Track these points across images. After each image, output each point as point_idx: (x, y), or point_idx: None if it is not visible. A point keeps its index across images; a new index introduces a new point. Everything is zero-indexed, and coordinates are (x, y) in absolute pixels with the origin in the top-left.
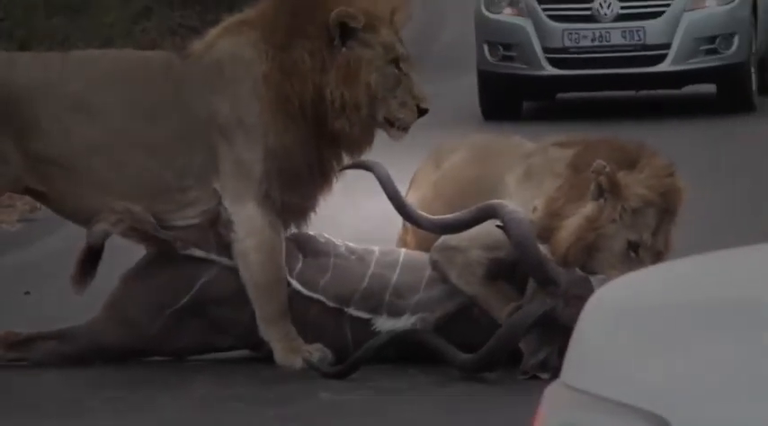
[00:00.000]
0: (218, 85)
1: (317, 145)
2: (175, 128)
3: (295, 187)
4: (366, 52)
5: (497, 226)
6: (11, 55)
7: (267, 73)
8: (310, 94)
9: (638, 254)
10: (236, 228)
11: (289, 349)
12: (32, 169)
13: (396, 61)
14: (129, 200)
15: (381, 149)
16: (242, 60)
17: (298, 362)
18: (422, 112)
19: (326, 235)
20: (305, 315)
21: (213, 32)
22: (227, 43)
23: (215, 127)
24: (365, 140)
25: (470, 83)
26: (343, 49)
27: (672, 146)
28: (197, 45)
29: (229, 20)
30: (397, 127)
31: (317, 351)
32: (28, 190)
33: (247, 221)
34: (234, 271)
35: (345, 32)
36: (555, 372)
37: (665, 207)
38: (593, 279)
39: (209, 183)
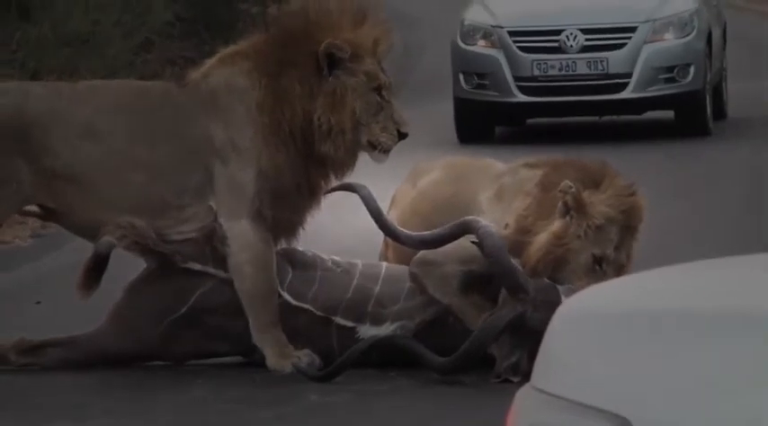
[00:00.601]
0: (213, 112)
1: (305, 166)
2: (174, 151)
3: (285, 205)
4: (351, 81)
5: (472, 242)
6: (24, 84)
7: (260, 100)
8: (300, 119)
9: (602, 267)
10: (230, 243)
11: (280, 354)
12: (44, 187)
13: (378, 89)
14: (131, 216)
15: (365, 169)
16: (236, 89)
17: (288, 367)
18: (402, 136)
19: (313, 251)
20: (295, 324)
21: (209, 63)
22: (223, 73)
23: (211, 150)
24: (349, 162)
25: (447, 109)
26: (330, 78)
27: (633, 167)
28: (194, 74)
29: (224, 51)
30: (378, 150)
31: (305, 357)
32: (39, 207)
33: (241, 236)
34: (228, 283)
35: (332, 62)
36: (525, 376)
37: (627, 223)
38: (560, 287)
39: (206, 201)
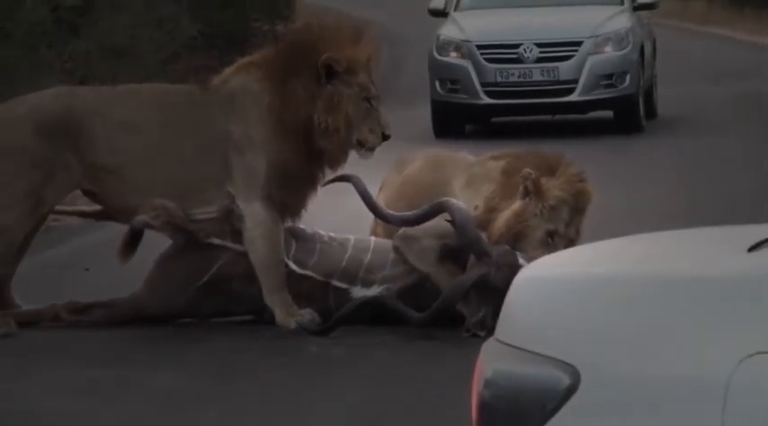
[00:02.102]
0: (231, 112)
1: (307, 159)
2: (198, 144)
3: (290, 190)
4: (346, 90)
5: (446, 221)
6: (73, 88)
7: (270, 103)
8: (302, 120)
9: (554, 241)
10: (245, 221)
11: (286, 313)
12: (88, 175)
13: (368, 98)
14: (161, 199)
15: (358, 159)
16: (250, 93)
17: (293, 323)
18: (385, 138)
19: (314, 228)
20: (299, 288)
21: (228, 71)
22: (239, 79)
23: (229, 143)
24: (342, 157)
25: (425, 109)
26: (329, 87)
27: (579, 158)
28: (215, 80)
29: (240, 61)
30: (365, 148)
31: (307, 315)
32: (84, 192)
33: (254, 215)
34: (244, 255)
35: (330, 73)
36: (490, 331)
37: (577, 205)
38: (520, 256)
39: (223, 186)
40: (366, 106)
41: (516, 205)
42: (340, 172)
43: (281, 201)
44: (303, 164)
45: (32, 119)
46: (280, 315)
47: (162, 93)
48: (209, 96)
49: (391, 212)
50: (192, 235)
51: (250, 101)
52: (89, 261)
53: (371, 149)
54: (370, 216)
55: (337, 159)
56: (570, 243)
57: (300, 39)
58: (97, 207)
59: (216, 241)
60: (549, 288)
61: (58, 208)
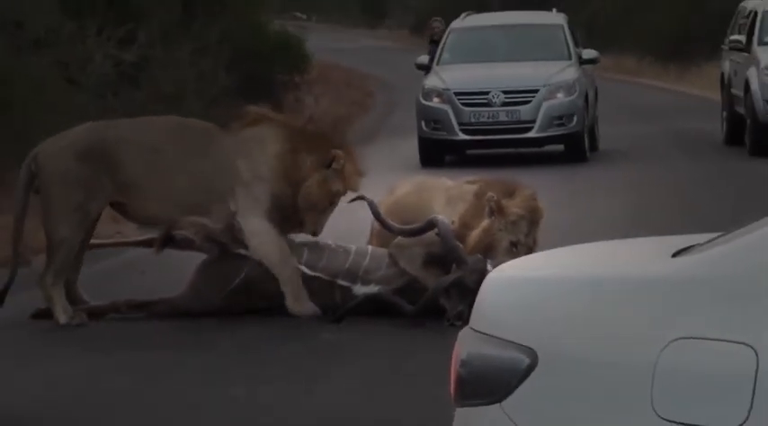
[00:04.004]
0: (243, 154)
1: (292, 207)
2: (208, 173)
3: (282, 219)
4: (334, 185)
5: (435, 234)
6: (105, 122)
7: (278, 154)
8: (295, 184)
9: (517, 249)
10: (245, 234)
11: (296, 300)
12: (117, 189)
13: (336, 198)
14: (177, 212)
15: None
16: (261, 141)
17: (303, 310)
18: (314, 234)
19: (322, 241)
20: (310, 286)
21: (248, 116)
22: (257, 129)
23: (234, 174)
24: (299, 220)
25: (413, 144)
26: (326, 172)
27: (536, 182)
28: (235, 124)
29: (258, 112)
30: (303, 229)
31: (313, 306)
32: (112, 204)
33: (252, 228)
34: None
35: (329, 164)
36: (466, 321)
37: (532, 219)
38: (489, 262)
39: (225, 204)
40: (330, 204)
41: (485, 222)
42: (358, 193)
43: (276, 226)
44: (289, 210)
45: (72, 148)
46: (291, 301)
47: (185, 125)
48: (226, 134)
49: (395, 225)
50: (225, 248)
51: (260, 148)
52: (143, 266)
53: (296, 233)
54: (368, 227)
55: (303, 221)
56: (529, 250)
57: (329, 133)
58: (131, 238)
59: (243, 251)
60: (512, 287)
61: (96, 242)
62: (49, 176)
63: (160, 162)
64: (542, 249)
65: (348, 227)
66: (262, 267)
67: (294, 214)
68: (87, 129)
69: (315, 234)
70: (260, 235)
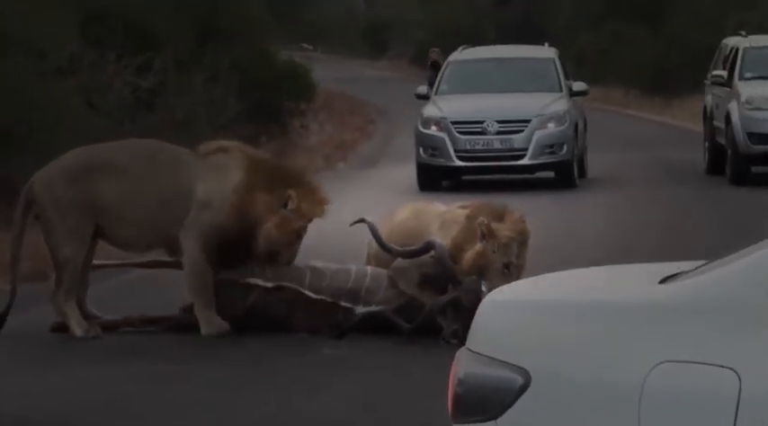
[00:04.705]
0: (204, 176)
1: (243, 242)
2: (175, 196)
3: (223, 250)
4: (291, 222)
5: (430, 256)
6: (90, 146)
7: (237, 186)
8: (252, 216)
9: (510, 270)
10: (183, 254)
11: (208, 324)
12: (99, 211)
13: (299, 234)
14: (149, 236)
15: (373, 206)
16: (224, 170)
17: (212, 330)
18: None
19: (325, 262)
20: (313, 308)
21: (215, 145)
22: (222, 157)
23: (193, 200)
24: (262, 256)
25: (411, 169)
26: (282, 211)
27: (528, 206)
28: (203, 148)
29: (229, 142)
30: (269, 261)
31: (223, 325)
32: (96, 227)
33: (188, 251)
34: (273, 290)
35: (286, 203)
36: (461, 340)
37: (522, 240)
38: (483, 283)
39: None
40: (299, 232)
41: (478, 246)
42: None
43: (214, 252)
44: (236, 242)
45: (62, 174)
46: (203, 325)
47: (154, 149)
48: (194, 159)
49: (394, 247)
50: (231, 278)
51: (221, 176)
52: (152, 283)
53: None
54: (365, 246)
55: (259, 257)
56: (519, 270)
57: (289, 169)
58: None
59: (251, 280)
60: (507, 310)
61: (99, 263)
62: (45, 202)
63: (131, 186)
64: (531, 271)
65: (345, 248)
66: (272, 294)
67: (243, 245)
68: (74, 154)
69: (288, 263)
70: (189, 260)
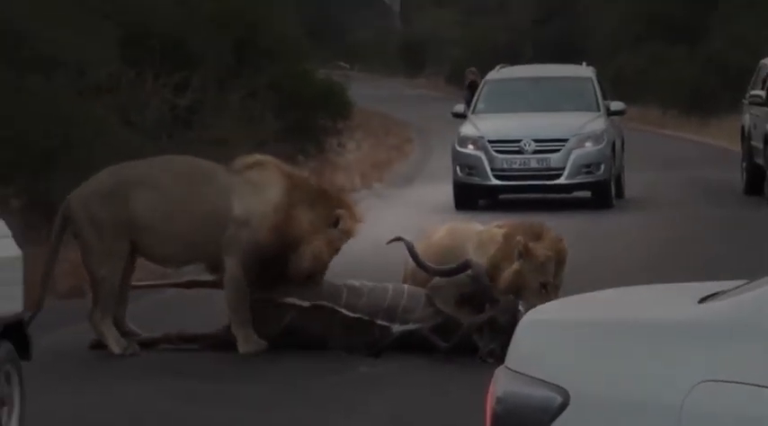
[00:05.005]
0: (240, 194)
1: (277, 258)
2: (210, 212)
3: (262, 267)
4: (339, 241)
5: (468, 275)
6: (123, 164)
7: (276, 205)
8: (292, 239)
9: (547, 289)
10: (225, 271)
11: (245, 341)
12: (133, 229)
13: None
14: (184, 252)
15: (410, 225)
16: (262, 187)
17: (250, 348)
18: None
19: (361, 280)
20: (350, 326)
21: (252, 159)
22: (259, 173)
23: (230, 216)
24: (300, 277)
25: (448, 188)
26: (331, 230)
27: (565, 226)
28: (238, 164)
29: (265, 158)
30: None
31: (261, 343)
32: (131, 242)
33: (229, 268)
34: (310, 309)
35: (336, 222)
36: (497, 359)
37: (559, 260)
38: (520, 302)
39: (219, 241)
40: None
41: (515, 265)
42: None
43: (252, 271)
44: (274, 260)
45: (98, 193)
46: (241, 343)
47: (188, 165)
48: (229, 174)
49: (431, 265)
50: (268, 298)
51: (261, 194)
52: (189, 302)
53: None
54: (402, 264)
55: (297, 276)
56: (556, 290)
57: (325, 186)
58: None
59: (288, 300)
60: (547, 329)
61: (137, 284)
62: (81, 221)
63: (166, 203)
64: (568, 290)
65: (382, 266)
66: (308, 314)
67: (280, 264)
68: (109, 172)
69: (319, 280)
70: (229, 277)
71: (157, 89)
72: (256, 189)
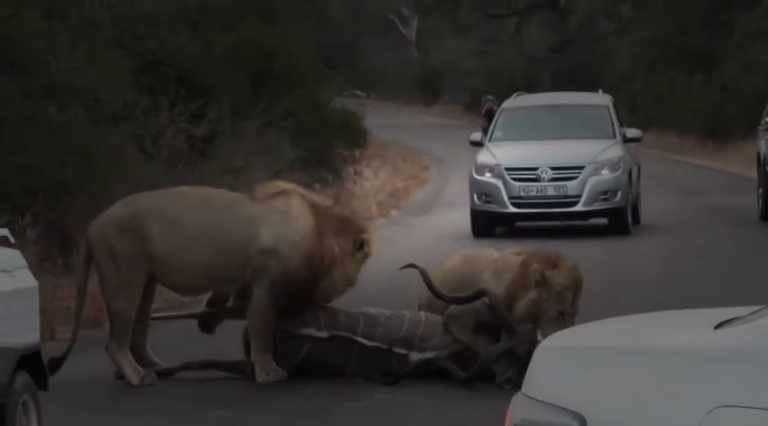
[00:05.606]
0: (267, 223)
1: (307, 287)
2: (231, 242)
3: (289, 296)
4: (362, 262)
5: (484, 303)
6: (139, 194)
7: (305, 233)
8: (322, 266)
9: (564, 318)
10: (252, 299)
11: (263, 369)
12: (152, 260)
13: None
14: (201, 282)
15: (427, 252)
16: (289, 215)
17: (268, 377)
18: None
19: (378, 308)
20: (368, 355)
21: (276, 187)
22: (285, 201)
23: (257, 245)
24: (328, 300)
25: (465, 215)
26: (357, 254)
27: (582, 253)
28: (261, 193)
29: (285, 185)
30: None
31: (280, 373)
32: (148, 272)
33: (257, 297)
34: (326, 340)
35: (361, 246)
36: (515, 386)
37: (575, 289)
38: (538, 331)
39: (244, 272)
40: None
41: (532, 294)
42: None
43: (280, 299)
44: (303, 286)
45: (114, 223)
46: (259, 371)
47: (213, 196)
48: (253, 204)
49: (446, 293)
50: (285, 329)
51: (287, 221)
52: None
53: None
54: (417, 293)
55: (325, 300)
56: (573, 317)
57: (342, 212)
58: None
59: (304, 331)
60: (563, 356)
61: (155, 316)
62: (99, 252)
63: (183, 234)
64: (585, 317)
65: (398, 294)
66: (326, 345)
67: (307, 291)
68: (125, 203)
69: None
70: (257, 304)
71: (173, 118)
72: (283, 218)
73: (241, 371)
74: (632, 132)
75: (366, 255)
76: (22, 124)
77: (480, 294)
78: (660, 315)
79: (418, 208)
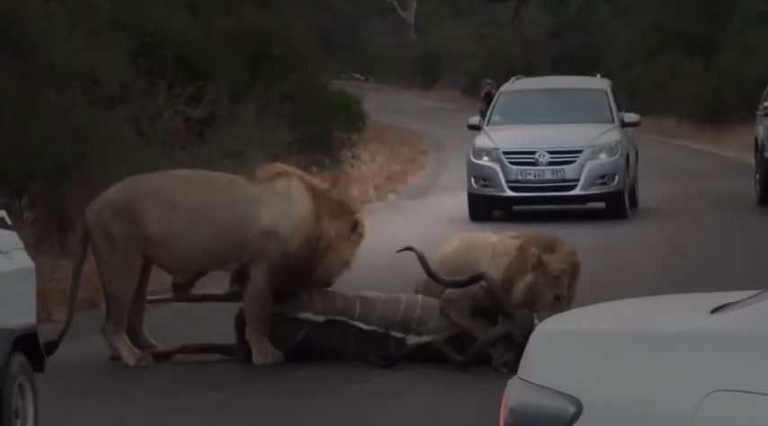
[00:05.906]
0: (267, 204)
1: (305, 265)
2: (230, 225)
3: (287, 276)
4: (360, 243)
5: (481, 287)
6: (136, 177)
7: (305, 215)
8: (322, 249)
9: (561, 302)
10: (250, 280)
11: (261, 351)
12: (148, 243)
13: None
14: (197, 264)
15: (424, 236)
16: (289, 197)
17: (265, 359)
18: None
19: (374, 292)
20: (365, 339)
21: (276, 169)
22: (284, 183)
23: (257, 227)
24: (327, 280)
25: (463, 199)
26: (353, 236)
27: (579, 237)
28: (261, 174)
29: (284, 167)
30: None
31: (277, 354)
32: (144, 256)
33: (255, 278)
34: (324, 324)
35: (356, 228)
36: (511, 369)
37: (573, 273)
38: (534, 315)
39: (242, 253)
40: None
41: (529, 278)
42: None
43: (279, 281)
44: (301, 268)
45: (111, 206)
46: (256, 353)
47: (204, 177)
48: (253, 186)
49: (443, 276)
50: (281, 313)
51: (286, 203)
52: (207, 313)
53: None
54: (415, 275)
55: (321, 281)
56: (569, 302)
57: (338, 194)
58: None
59: (301, 315)
60: (559, 340)
61: (151, 298)
62: (96, 235)
63: (181, 217)
64: (581, 301)
65: (395, 277)
66: (323, 329)
67: (306, 271)
68: (122, 185)
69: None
70: (255, 287)
71: (171, 100)
72: (284, 199)
73: (241, 355)
74: (630, 117)
75: (360, 236)
76: (20, 106)
77: (477, 278)
78: (657, 299)
79: (416, 192)
